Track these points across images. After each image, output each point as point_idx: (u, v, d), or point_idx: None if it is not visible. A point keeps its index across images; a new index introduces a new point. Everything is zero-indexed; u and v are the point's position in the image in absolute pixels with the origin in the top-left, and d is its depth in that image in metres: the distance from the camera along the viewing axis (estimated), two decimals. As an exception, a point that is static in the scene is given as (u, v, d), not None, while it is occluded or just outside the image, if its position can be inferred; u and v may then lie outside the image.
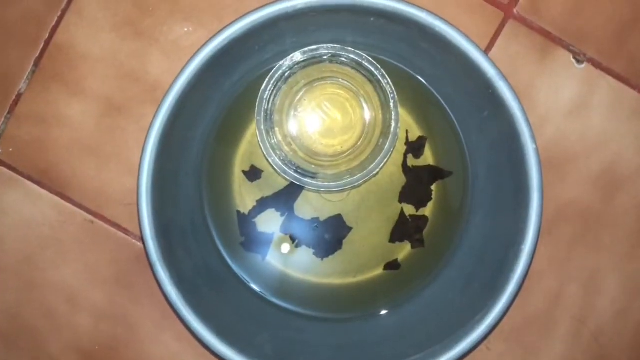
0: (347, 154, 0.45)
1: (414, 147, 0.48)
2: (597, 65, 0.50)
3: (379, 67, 0.40)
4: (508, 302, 0.39)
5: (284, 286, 0.48)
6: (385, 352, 0.43)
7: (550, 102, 0.50)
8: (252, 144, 0.48)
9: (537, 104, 0.50)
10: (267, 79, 0.40)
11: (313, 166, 0.43)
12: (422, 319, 0.45)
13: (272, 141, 0.41)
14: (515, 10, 0.49)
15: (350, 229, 0.48)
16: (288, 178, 0.42)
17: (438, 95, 0.45)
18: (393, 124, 0.40)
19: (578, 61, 0.50)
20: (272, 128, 0.41)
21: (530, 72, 0.50)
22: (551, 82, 0.50)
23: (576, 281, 0.51)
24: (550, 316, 0.51)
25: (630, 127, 0.50)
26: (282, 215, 0.49)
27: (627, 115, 0.50)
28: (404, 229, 0.48)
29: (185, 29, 0.49)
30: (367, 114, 0.44)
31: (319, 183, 0.42)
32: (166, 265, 0.40)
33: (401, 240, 0.49)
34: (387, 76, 0.40)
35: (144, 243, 0.41)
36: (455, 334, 0.41)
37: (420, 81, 0.45)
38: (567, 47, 0.49)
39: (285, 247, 0.48)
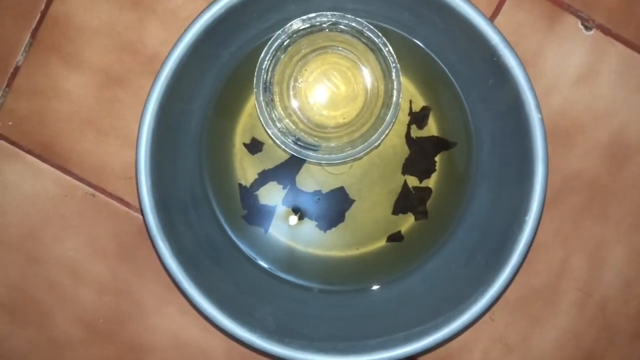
0: (348, 125, 0.44)
1: (418, 118, 0.47)
2: (606, 31, 0.48)
3: (380, 35, 0.39)
4: (511, 273, 0.39)
5: (287, 259, 0.48)
6: (388, 324, 0.43)
7: (558, 70, 0.49)
8: (252, 116, 0.47)
9: (544, 72, 0.48)
10: (265, 48, 0.39)
11: (314, 138, 0.43)
12: (424, 291, 0.45)
13: (272, 113, 0.41)
14: (522, -25, 0.48)
15: (352, 201, 0.48)
16: (288, 150, 0.41)
17: (442, 64, 0.44)
18: (395, 94, 0.39)
19: (586, 27, 0.48)
20: (272, 99, 0.41)
21: (537, 40, 0.48)
22: (559, 49, 0.48)
23: (582, 252, 0.50)
24: (556, 287, 0.50)
25: (639, 95, 0.49)
26: (284, 188, 0.48)
27: (637, 83, 0.49)
28: (407, 201, 0.48)
29: (183, -1, 0.48)
30: (369, 84, 0.43)
31: (320, 155, 0.41)
32: (166, 238, 0.40)
33: (404, 213, 0.48)
34: (388, 44, 0.38)
35: (143, 215, 0.41)
36: (458, 305, 0.40)
37: (424, 50, 0.44)
38: (575, 13, 0.48)
39: (288, 220, 0.48)
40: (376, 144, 0.40)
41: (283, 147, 0.41)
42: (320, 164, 0.46)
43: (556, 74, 0.49)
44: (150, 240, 0.41)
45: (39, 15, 0.49)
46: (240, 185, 0.48)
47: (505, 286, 0.39)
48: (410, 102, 0.47)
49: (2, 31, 0.49)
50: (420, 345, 0.39)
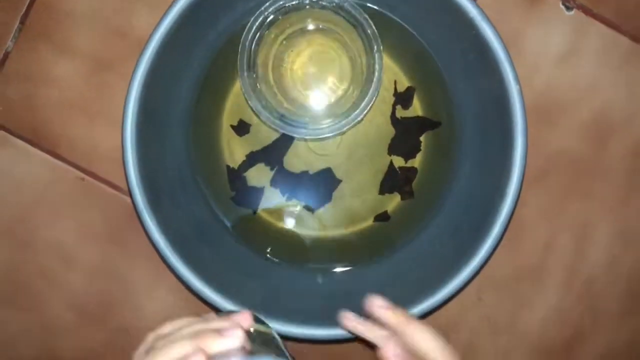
0: (332, 103, 0.45)
1: (403, 98, 0.48)
2: (586, 11, 0.49)
3: (361, 10, 0.39)
4: (495, 241, 0.39)
5: (275, 239, 0.48)
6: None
7: (540, 50, 0.49)
8: (239, 97, 0.48)
9: (526, 53, 0.49)
10: (248, 25, 0.40)
11: (299, 116, 0.43)
12: (413, 266, 0.45)
13: (257, 90, 0.41)
14: (503, -43, 0.49)
15: (339, 181, 0.48)
16: (273, 126, 0.42)
17: (424, 43, 0.45)
18: (377, 69, 0.40)
19: (567, 8, 0.49)
20: (256, 77, 0.41)
21: (519, 20, 0.49)
22: (540, 30, 0.49)
23: (567, 231, 0.51)
24: (542, 267, 0.51)
25: (621, 73, 0.50)
26: (271, 169, 0.49)
27: (618, 62, 0.49)
28: (394, 181, 0.48)
29: (170, -17, 0.49)
30: (352, 62, 0.44)
31: (304, 130, 0.41)
32: (153, 215, 0.41)
33: (391, 192, 0.49)
34: (369, 19, 0.39)
35: (130, 193, 0.41)
36: (445, 276, 0.41)
37: (406, 28, 0.45)
38: (556, -6, 0.49)
39: (276, 201, 0.49)
40: (359, 118, 0.41)
41: (268, 123, 0.42)
42: (305, 140, 0.47)
43: (538, 53, 0.49)
44: (138, 218, 0.41)
45: (28, 0, 0.49)
46: (228, 167, 0.48)
47: (490, 253, 0.39)
48: (395, 82, 0.48)
49: (-8, 18, 0.50)
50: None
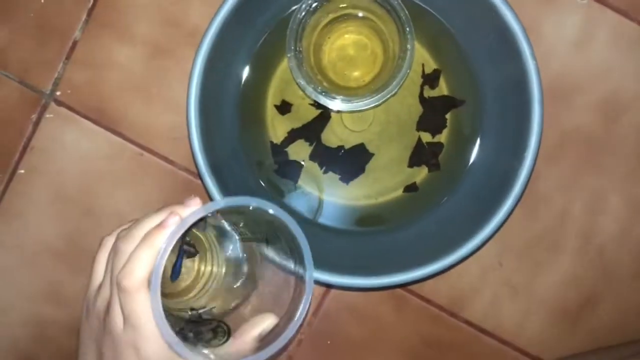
0: (366, 82, 0.50)
1: (430, 79, 0.53)
2: (598, 0, 0.54)
3: (395, -5, 0.45)
4: (514, 202, 0.44)
5: (314, 207, 0.54)
6: (404, 258, 0.48)
7: (555, 36, 0.54)
8: (282, 79, 0.53)
9: (542, 38, 0.54)
10: (296, 10, 0.45)
11: (337, 92, 0.48)
12: (436, 229, 0.50)
13: (302, 68, 0.47)
14: (521, -49, 0.53)
15: (372, 155, 0.54)
16: (315, 99, 0.47)
17: (449, 27, 0.50)
18: (409, 48, 0.45)
19: (580, -3, 0.54)
20: (302, 56, 0.47)
21: (535, 10, 0.54)
22: (555, 17, 0.54)
23: (581, 202, 0.55)
24: (558, 235, 0.55)
25: (631, 57, 0.54)
26: (310, 144, 0.54)
27: (628, 46, 0.54)
28: (421, 155, 0.53)
29: (221, -22, 0.54)
30: (384, 46, 0.49)
31: (342, 104, 0.47)
32: (214, 176, 0.46)
33: (419, 165, 0.54)
34: (402, 3, 0.44)
35: (194, 157, 0.47)
36: (466, 236, 0.46)
37: (433, 14, 0.50)
38: (570, -16, 0.54)
39: (315, 173, 0.54)
40: (392, 93, 0.46)
41: (312, 96, 0.47)
42: (340, 115, 0.52)
43: (554, 39, 0.54)
44: (200, 179, 0.47)
45: (95, -5, 0.55)
46: (271, 142, 0.54)
47: (507, 215, 0.44)
48: (423, 65, 0.53)
49: (62, 11, 0.56)
50: (432, 269, 0.45)
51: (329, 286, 0.54)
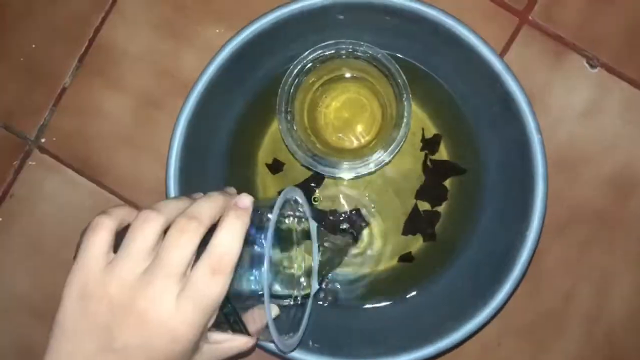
0: (362, 146, 0.47)
1: (430, 144, 0.50)
2: (610, 70, 0.51)
3: (393, 61, 0.42)
4: (514, 284, 0.41)
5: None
6: (394, 338, 0.45)
7: (564, 105, 0.51)
8: (274, 138, 0.51)
9: (550, 107, 0.51)
10: (288, 71, 0.43)
11: (330, 157, 0.46)
12: (431, 307, 0.47)
13: (292, 130, 0.44)
14: (530, 16, 0.51)
15: (368, 223, 0.50)
16: (306, 164, 0.44)
17: (451, 92, 0.48)
18: (406, 115, 0.42)
19: (591, 66, 0.51)
20: (292, 118, 0.44)
21: (544, 76, 0.51)
22: (565, 85, 0.51)
23: (588, 281, 0.51)
24: (562, 315, 0.52)
25: (643, 130, 0.51)
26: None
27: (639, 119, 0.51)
28: (417, 223, 0.50)
29: (217, 30, 0.53)
30: (382, 109, 0.47)
31: (335, 170, 0.44)
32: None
33: (413, 234, 0.50)
34: (399, 69, 0.42)
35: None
36: (462, 318, 0.42)
37: (435, 79, 0.48)
38: (580, 52, 0.51)
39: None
40: (387, 160, 0.43)
41: (301, 161, 0.44)
42: (334, 178, 0.49)
43: (562, 108, 0.51)
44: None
45: (87, 42, 0.54)
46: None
47: (508, 297, 0.41)
48: (423, 129, 0.50)
49: (53, 56, 0.54)
50: (421, 354, 0.41)
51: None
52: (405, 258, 0.50)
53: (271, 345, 0.40)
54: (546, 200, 0.41)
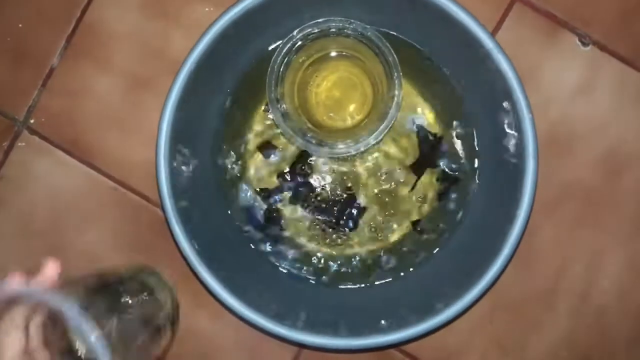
0: (353, 125, 0.47)
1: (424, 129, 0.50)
2: (602, 47, 0.51)
3: (382, 38, 0.42)
4: (505, 261, 0.41)
5: (301, 257, 0.50)
6: (386, 314, 0.45)
7: (556, 83, 0.51)
8: (265, 118, 0.50)
9: (542, 85, 0.51)
10: (278, 49, 0.43)
11: (321, 136, 0.45)
12: (423, 286, 0.47)
13: (282, 109, 0.44)
14: (522, -6, 0.51)
15: (364, 209, 0.50)
16: (296, 144, 0.44)
17: (445, 71, 0.47)
18: (396, 94, 0.42)
19: (583, 44, 0.51)
20: (282, 98, 0.44)
21: (536, 54, 0.51)
22: (557, 64, 0.51)
23: (579, 259, 0.52)
24: (553, 293, 0.52)
25: (635, 109, 0.51)
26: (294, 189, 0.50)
27: (632, 97, 0.51)
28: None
29: (207, 9, 0.52)
30: (373, 87, 0.46)
31: (326, 149, 0.44)
32: (181, 222, 0.43)
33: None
34: (389, 46, 0.42)
35: (161, 202, 0.44)
36: (454, 295, 0.42)
37: (429, 57, 0.47)
38: (572, 30, 0.51)
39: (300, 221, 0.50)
40: (378, 139, 0.43)
41: (292, 140, 0.44)
42: (325, 158, 0.49)
43: (554, 87, 0.51)
44: (167, 226, 0.44)
45: (74, 22, 0.53)
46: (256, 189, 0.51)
47: (499, 274, 0.41)
48: (417, 109, 0.50)
49: (40, 36, 0.53)
50: (412, 332, 0.42)
51: (302, 346, 0.51)
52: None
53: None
54: (536, 178, 0.41)
